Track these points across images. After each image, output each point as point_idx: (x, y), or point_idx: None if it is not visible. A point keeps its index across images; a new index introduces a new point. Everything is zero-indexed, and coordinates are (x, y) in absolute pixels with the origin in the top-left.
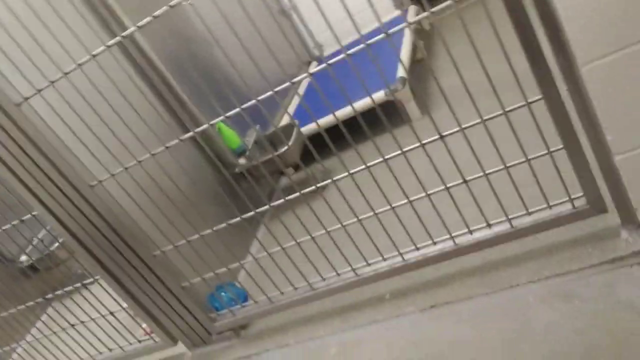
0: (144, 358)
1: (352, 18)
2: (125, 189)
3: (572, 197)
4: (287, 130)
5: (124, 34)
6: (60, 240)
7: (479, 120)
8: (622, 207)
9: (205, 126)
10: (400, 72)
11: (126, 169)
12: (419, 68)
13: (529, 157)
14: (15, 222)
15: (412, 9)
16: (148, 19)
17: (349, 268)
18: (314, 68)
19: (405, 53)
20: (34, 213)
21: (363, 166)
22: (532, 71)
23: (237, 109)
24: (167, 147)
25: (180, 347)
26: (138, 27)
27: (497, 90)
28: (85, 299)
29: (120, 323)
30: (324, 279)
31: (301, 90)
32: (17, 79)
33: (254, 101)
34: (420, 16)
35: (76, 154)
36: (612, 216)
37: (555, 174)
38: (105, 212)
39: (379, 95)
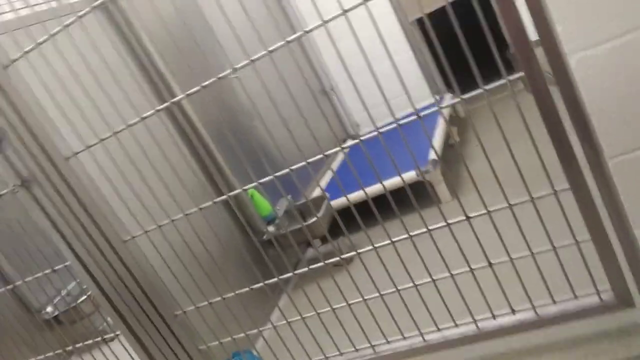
0: None
1: (387, 100)
2: (156, 246)
3: (599, 289)
4: (317, 202)
5: (173, 100)
6: (87, 294)
7: (505, 205)
8: None
9: (238, 191)
10: (433, 155)
11: (160, 227)
12: (452, 153)
13: (556, 246)
14: (47, 271)
15: (447, 96)
16: (196, 88)
17: (368, 344)
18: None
19: (438, 137)
20: (66, 263)
21: (388, 241)
22: (560, 162)
23: (270, 177)
24: (200, 209)
25: None
26: (187, 95)
27: (526, 178)
28: (104, 355)
29: None
30: (341, 354)
31: (335, 165)
32: (69, 134)
33: (286, 170)
34: (451, 102)
35: (114, 209)
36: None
37: (582, 264)
38: (133, 267)
39: (410, 175)
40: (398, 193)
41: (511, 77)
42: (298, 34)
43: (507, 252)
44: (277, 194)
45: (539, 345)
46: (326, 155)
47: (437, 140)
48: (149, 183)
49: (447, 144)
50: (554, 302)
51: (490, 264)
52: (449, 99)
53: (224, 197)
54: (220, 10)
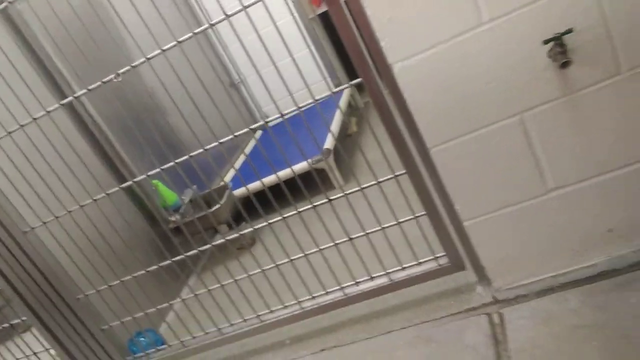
0: None
1: (290, 91)
2: (55, 236)
3: (436, 255)
4: (220, 192)
5: (68, 98)
6: None
7: (357, 188)
8: (477, 266)
9: (138, 179)
10: (327, 144)
11: (56, 217)
12: (350, 141)
13: (400, 220)
14: None
15: (347, 90)
16: (98, 83)
17: (254, 315)
18: (258, 136)
19: (334, 127)
20: None
21: (279, 218)
22: (396, 152)
23: (171, 163)
24: (94, 200)
25: None
26: (88, 89)
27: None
28: (18, 347)
29: None
30: (231, 325)
31: (240, 160)
32: None
33: (185, 157)
34: (340, 88)
35: (12, 202)
36: (471, 273)
37: (423, 236)
38: (35, 257)
39: (303, 165)
40: (303, 177)
41: (352, 82)
42: (204, 26)
43: (362, 228)
44: (184, 185)
45: (394, 306)
46: (221, 143)
47: (334, 129)
48: (48, 177)
49: (347, 134)
50: (403, 268)
51: (350, 239)
52: (347, 93)
53: (116, 188)
54: (127, 5)
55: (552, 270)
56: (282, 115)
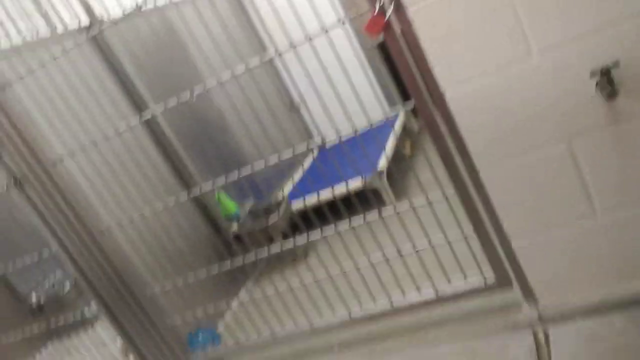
0: None
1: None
2: (131, 237)
3: (484, 273)
4: (278, 205)
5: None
6: (70, 284)
7: (408, 206)
8: (524, 284)
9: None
10: (380, 166)
11: (131, 222)
12: (405, 162)
13: (450, 240)
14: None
15: (402, 114)
16: (173, 103)
17: (305, 320)
18: (314, 155)
19: (388, 149)
20: (53, 249)
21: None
22: (448, 173)
23: (235, 175)
24: (166, 207)
25: None
26: (162, 110)
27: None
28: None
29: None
30: (283, 328)
31: (299, 174)
32: (56, 142)
33: (249, 172)
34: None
35: (93, 205)
36: (518, 292)
37: (470, 254)
38: (110, 254)
39: (357, 184)
40: (357, 196)
41: (405, 106)
42: (271, 56)
43: (413, 245)
44: (244, 197)
45: (440, 319)
46: (281, 161)
47: (388, 151)
48: (126, 184)
49: (401, 155)
50: (450, 283)
51: (400, 255)
52: (402, 116)
53: (187, 196)
54: (197, 31)
55: (599, 293)
56: (339, 138)
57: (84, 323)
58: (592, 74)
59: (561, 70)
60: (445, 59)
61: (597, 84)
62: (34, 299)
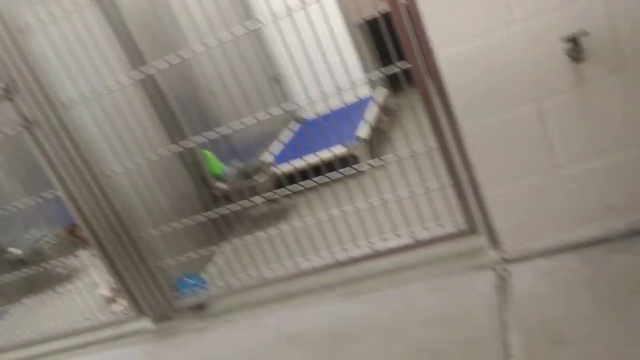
0: (114, 329)
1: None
2: (133, 181)
3: (457, 221)
4: (264, 166)
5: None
6: (49, 239)
7: (396, 158)
8: (490, 230)
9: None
10: (359, 132)
11: (127, 168)
12: (383, 135)
13: (430, 189)
14: (38, 200)
15: (380, 90)
16: (166, 65)
17: (291, 262)
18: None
19: (369, 119)
20: (57, 194)
21: (314, 184)
22: (431, 127)
23: (217, 135)
24: (159, 155)
25: (144, 322)
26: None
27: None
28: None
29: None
30: (271, 269)
31: (286, 138)
32: (67, 88)
33: (230, 131)
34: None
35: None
36: (485, 238)
37: (445, 202)
38: (111, 196)
39: (342, 149)
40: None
41: (400, 65)
42: (257, 25)
43: (395, 194)
44: (231, 159)
45: (417, 262)
46: (272, 116)
47: (368, 120)
48: (127, 133)
49: (379, 129)
50: (426, 229)
51: (383, 201)
52: (381, 93)
53: (181, 148)
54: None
55: (557, 238)
56: (317, 111)
57: (61, 279)
58: (564, 40)
59: (538, 36)
60: (439, 24)
61: (567, 49)
62: (15, 252)
